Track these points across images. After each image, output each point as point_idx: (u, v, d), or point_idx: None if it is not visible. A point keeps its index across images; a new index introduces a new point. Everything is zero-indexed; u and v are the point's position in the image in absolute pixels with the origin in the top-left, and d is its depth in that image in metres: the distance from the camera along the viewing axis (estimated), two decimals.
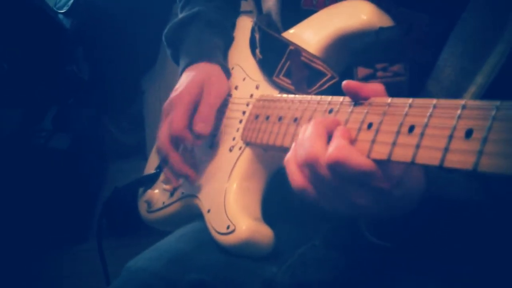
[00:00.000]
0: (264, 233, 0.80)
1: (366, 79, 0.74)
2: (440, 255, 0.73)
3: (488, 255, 0.73)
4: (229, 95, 0.96)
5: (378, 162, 0.55)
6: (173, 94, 0.93)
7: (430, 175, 0.63)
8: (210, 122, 0.90)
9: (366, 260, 0.78)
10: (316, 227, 0.86)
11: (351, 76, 0.75)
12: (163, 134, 0.92)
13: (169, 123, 0.91)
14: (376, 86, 0.61)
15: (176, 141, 0.92)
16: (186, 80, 0.94)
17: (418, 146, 0.50)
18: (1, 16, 1.90)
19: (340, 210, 0.61)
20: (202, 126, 0.89)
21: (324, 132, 0.60)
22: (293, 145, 0.64)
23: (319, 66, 0.78)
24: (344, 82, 0.62)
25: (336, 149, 0.56)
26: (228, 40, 1.04)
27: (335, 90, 0.75)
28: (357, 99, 0.62)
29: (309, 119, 0.70)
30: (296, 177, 0.61)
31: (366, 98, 0.61)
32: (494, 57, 0.67)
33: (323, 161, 0.57)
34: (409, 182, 0.59)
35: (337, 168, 0.56)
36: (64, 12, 2.21)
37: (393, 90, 0.61)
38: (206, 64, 0.96)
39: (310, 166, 0.59)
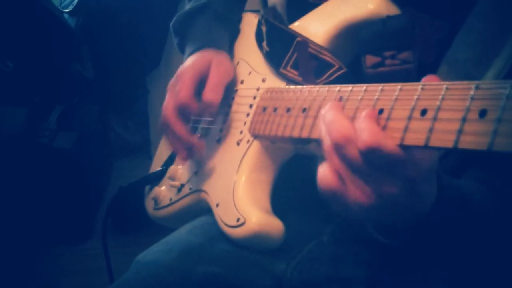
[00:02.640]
0: (274, 225, 0.80)
1: (374, 67, 0.74)
2: (447, 255, 0.73)
3: (495, 261, 0.73)
4: (235, 89, 0.96)
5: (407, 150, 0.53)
6: (179, 70, 0.94)
7: (442, 181, 0.62)
8: (219, 93, 0.90)
9: (374, 258, 0.78)
10: (325, 223, 0.86)
11: (359, 65, 0.74)
12: (168, 106, 0.91)
13: (175, 94, 0.90)
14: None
15: (182, 112, 0.91)
16: (192, 59, 0.94)
17: (431, 130, 0.50)
18: (7, 15, 1.91)
19: (369, 204, 0.57)
20: (212, 95, 0.89)
21: (345, 115, 0.58)
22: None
23: (327, 57, 0.78)
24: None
25: (370, 134, 0.53)
26: (234, 33, 1.04)
27: (343, 80, 0.75)
28: None
29: (318, 109, 0.70)
30: (329, 178, 0.58)
31: None
32: (498, 63, 0.68)
33: (354, 146, 0.55)
34: (433, 180, 0.58)
35: (372, 154, 0.53)
36: (69, 11, 2.22)
37: (402, 78, 0.61)
38: (212, 49, 0.96)
39: (340, 149, 0.56)
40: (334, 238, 0.84)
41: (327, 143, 0.58)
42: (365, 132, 0.54)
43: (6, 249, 2.03)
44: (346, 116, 0.57)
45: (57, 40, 2.01)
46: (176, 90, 0.91)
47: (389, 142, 0.53)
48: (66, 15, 2.22)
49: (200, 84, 0.92)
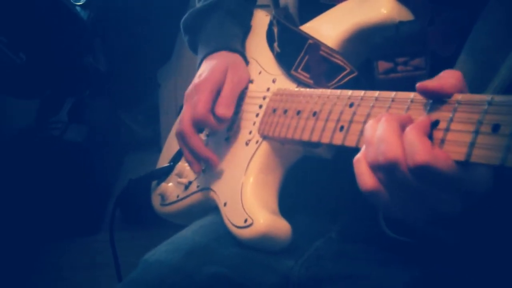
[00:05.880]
0: (281, 227, 0.80)
1: (387, 73, 0.73)
2: (458, 255, 0.73)
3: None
4: (245, 87, 0.96)
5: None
6: (196, 80, 0.93)
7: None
8: (232, 106, 0.90)
9: (382, 255, 0.78)
10: (333, 220, 0.86)
11: (371, 70, 0.74)
12: (185, 118, 0.91)
13: (193, 107, 0.90)
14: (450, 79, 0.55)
15: (198, 125, 0.91)
16: (208, 67, 0.94)
17: (443, 141, 0.49)
18: (20, 8, 1.91)
19: (416, 216, 0.56)
20: (224, 110, 0.89)
21: (399, 129, 0.54)
22: (363, 146, 0.58)
23: (338, 60, 0.78)
24: (419, 86, 0.55)
25: (421, 153, 0.50)
26: (246, 30, 1.04)
27: (354, 84, 0.74)
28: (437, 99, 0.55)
29: (329, 113, 0.70)
30: (367, 179, 0.55)
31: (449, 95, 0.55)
32: None
33: (404, 165, 0.52)
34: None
35: (423, 172, 0.51)
36: (81, 4, 2.23)
37: (414, 84, 0.60)
38: (227, 53, 0.96)
39: (386, 170, 0.53)
40: (342, 235, 0.84)
41: (371, 156, 0.55)
42: (415, 148, 0.51)
43: (13, 242, 2.05)
44: (397, 134, 0.54)
45: (70, 32, 2.02)
46: (194, 102, 0.90)
47: (442, 159, 0.50)
48: (78, 8, 2.22)
49: (218, 93, 0.92)
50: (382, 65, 0.73)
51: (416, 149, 0.50)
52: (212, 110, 0.90)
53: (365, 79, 0.75)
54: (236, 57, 0.96)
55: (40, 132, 2.12)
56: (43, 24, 1.97)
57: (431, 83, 0.54)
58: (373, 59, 0.74)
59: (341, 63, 0.77)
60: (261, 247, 0.81)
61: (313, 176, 0.88)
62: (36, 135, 2.11)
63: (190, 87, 0.94)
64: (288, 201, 0.85)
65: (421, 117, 0.54)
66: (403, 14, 0.73)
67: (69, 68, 2.06)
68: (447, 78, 0.55)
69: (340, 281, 0.77)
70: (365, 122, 0.59)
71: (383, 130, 0.54)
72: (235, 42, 0.99)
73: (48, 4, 1.97)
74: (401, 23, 0.73)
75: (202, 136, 0.98)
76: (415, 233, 0.70)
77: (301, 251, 0.82)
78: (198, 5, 1.07)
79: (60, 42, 2.01)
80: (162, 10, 2.28)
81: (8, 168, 2.06)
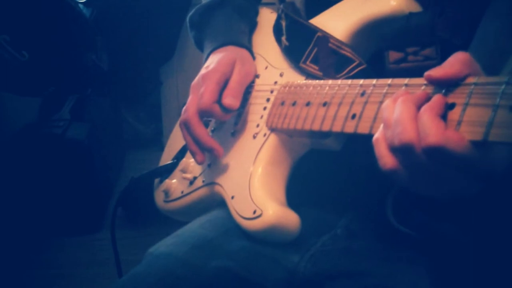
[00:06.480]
0: (291, 218, 0.79)
1: (397, 63, 0.73)
2: (463, 252, 0.72)
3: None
4: (252, 81, 0.95)
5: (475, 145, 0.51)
6: (203, 71, 0.93)
7: None
8: (239, 97, 0.90)
9: (388, 251, 0.77)
10: (338, 216, 0.86)
11: (382, 60, 0.74)
12: (191, 107, 0.91)
13: (199, 97, 0.90)
14: (457, 62, 0.55)
15: (203, 115, 0.91)
16: (216, 59, 0.94)
17: (460, 123, 0.49)
18: (23, 6, 1.92)
19: (435, 194, 0.58)
20: (232, 100, 0.89)
21: (414, 112, 0.55)
22: (381, 125, 0.59)
23: (347, 52, 0.78)
24: (426, 76, 0.57)
25: (433, 134, 0.51)
26: (252, 26, 1.05)
27: (363, 76, 0.74)
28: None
29: (339, 103, 0.69)
30: (386, 160, 0.57)
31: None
32: None
33: (418, 147, 0.53)
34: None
35: (436, 154, 0.51)
36: (84, 2, 2.23)
37: None
38: (234, 47, 0.96)
39: (403, 152, 0.55)
40: (348, 231, 0.84)
41: (389, 138, 0.57)
42: (427, 130, 0.52)
43: (15, 239, 2.04)
44: (412, 116, 0.55)
45: (73, 30, 2.02)
46: (200, 93, 0.90)
47: (454, 141, 0.51)
48: (80, 5, 2.22)
49: (224, 86, 0.92)
50: (393, 55, 0.74)
51: (429, 131, 0.52)
52: (219, 102, 0.90)
53: (375, 70, 0.76)
54: (244, 52, 0.97)
55: (42, 129, 2.11)
56: (46, 22, 1.98)
57: (436, 72, 0.56)
58: (384, 49, 0.75)
59: (350, 55, 0.78)
60: (269, 239, 0.80)
61: (319, 171, 0.88)
62: (38, 133, 2.10)
63: (197, 78, 0.94)
64: (294, 196, 0.85)
65: (435, 96, 0.55)
66: (413, 6, 0.74)
67: (71, 66, 2.06)
68: (452, 64, 0.56)
69: (346, 277, 0.77)
70: (378, 108, 0.59)
71: (399, 112, 0.55)
72: (242, 38, 0.99)
73: (50, 2, 1.97)
74: (411, 14, 0.73)
75: (208, 131, 0.98)
76: (421, 226, 0.69)
77: (307, 246, 0.82)
78: (204, 1, 1.07)
79: (62, 40, 2.01)
80: (165, 8, 2.28)
81: (10, 165, 2.06)
